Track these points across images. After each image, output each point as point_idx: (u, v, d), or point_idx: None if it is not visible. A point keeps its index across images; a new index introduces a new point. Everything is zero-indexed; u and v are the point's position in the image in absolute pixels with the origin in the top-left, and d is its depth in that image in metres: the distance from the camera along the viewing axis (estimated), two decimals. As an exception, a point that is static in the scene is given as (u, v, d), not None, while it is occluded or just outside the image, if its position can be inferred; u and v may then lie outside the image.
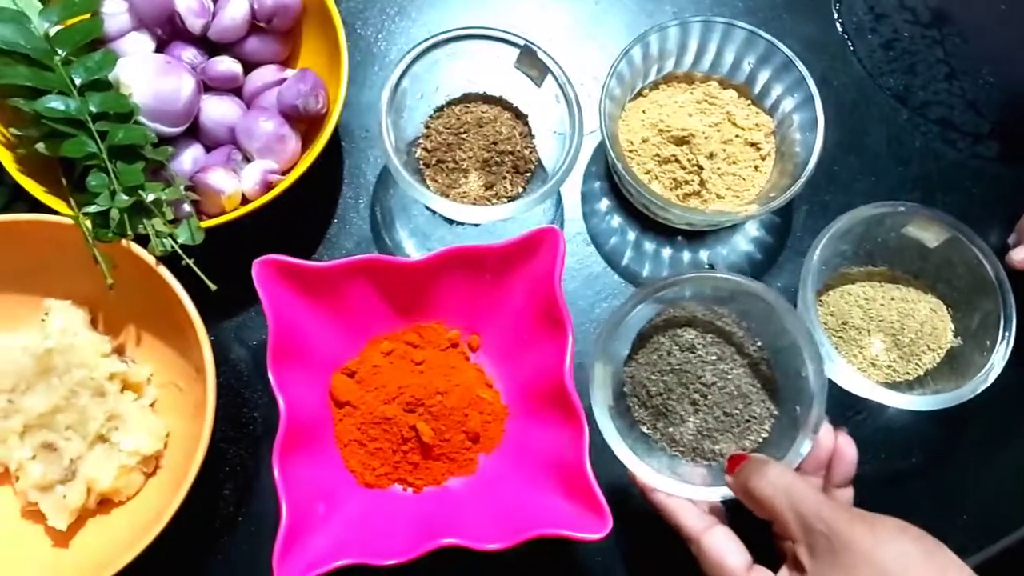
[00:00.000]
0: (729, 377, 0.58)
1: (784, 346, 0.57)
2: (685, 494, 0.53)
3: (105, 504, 0.57)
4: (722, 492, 0.53)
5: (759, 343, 0.59)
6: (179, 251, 0.55)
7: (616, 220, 0.67)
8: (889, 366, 0.62)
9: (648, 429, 0.59)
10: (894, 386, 0.61)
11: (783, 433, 0.56)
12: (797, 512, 0.45)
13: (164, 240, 0.55)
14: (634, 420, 0.59)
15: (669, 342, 0.60)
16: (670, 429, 0.58)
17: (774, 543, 0.52)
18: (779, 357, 0.58)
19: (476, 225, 0.67)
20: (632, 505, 0.59)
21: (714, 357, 0.59)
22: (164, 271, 0.54)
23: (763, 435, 0.58)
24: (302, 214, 0.65)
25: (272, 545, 0.58)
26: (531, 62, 0.62)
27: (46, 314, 0.57)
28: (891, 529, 0.44)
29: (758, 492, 0.47)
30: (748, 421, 0.58)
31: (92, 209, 0.54)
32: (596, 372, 0.56)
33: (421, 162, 0.66)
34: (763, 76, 0.65)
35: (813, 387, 0.54)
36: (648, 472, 0.54)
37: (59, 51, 0.55)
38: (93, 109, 0.54)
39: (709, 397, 0.58)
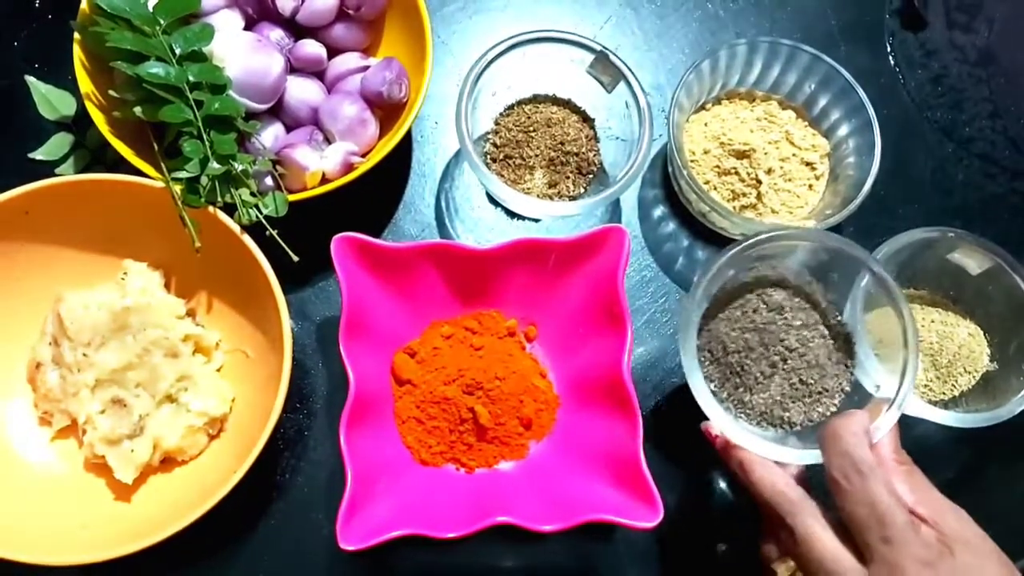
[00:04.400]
0: (811, 345, 0.56)
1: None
2: (774, 456, 0.51)
3: (167, 463, 0.59)
4: (813, 455, 0.51)
5: (839, 317, 0.58)
6: (264, 222, 0.57)
7: (670, 227, 0.70)
8: (926, 385, 0.64)
9: (716, 387, 0.58)
10: (930, 405, 0.63)
11: (852, 408, 0.54)
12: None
13: (250, 210, 0.57)
14: (702, 376, 0.56)
15: (757, 300, 0.58)
16: (740, 390, 0.57)
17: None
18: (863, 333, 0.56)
19: (536, 220, 0.69)
20: (673, 495, 0.62)
21: (799, 322, 0.57)
22: (249, 240, 0.56)
23: (832, 408, 0.57)
24: (370, 197, 0.67)
25: (324, 514, 0.60)
26: (604, 68, 0.65)
27: (124, 274, 0.59)
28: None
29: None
30: (820, 393, 0.56)
31: (182, 175, 0.56)
32: (692, 319, 0.54)
33: (488, 156, 0.68)
34: (822, 100, 0.68)
35: (906, 363, 0.53)
36: (737, 431, 0.53)
37: (160, 20, 0.57)
38: (191, 78, 0.56)
39: (789, 362, 0.56)
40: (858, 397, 0.56)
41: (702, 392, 0.53)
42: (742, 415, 0.57)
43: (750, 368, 0.57)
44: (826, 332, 0.57)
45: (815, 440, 0.50)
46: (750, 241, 0.55)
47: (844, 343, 0.57)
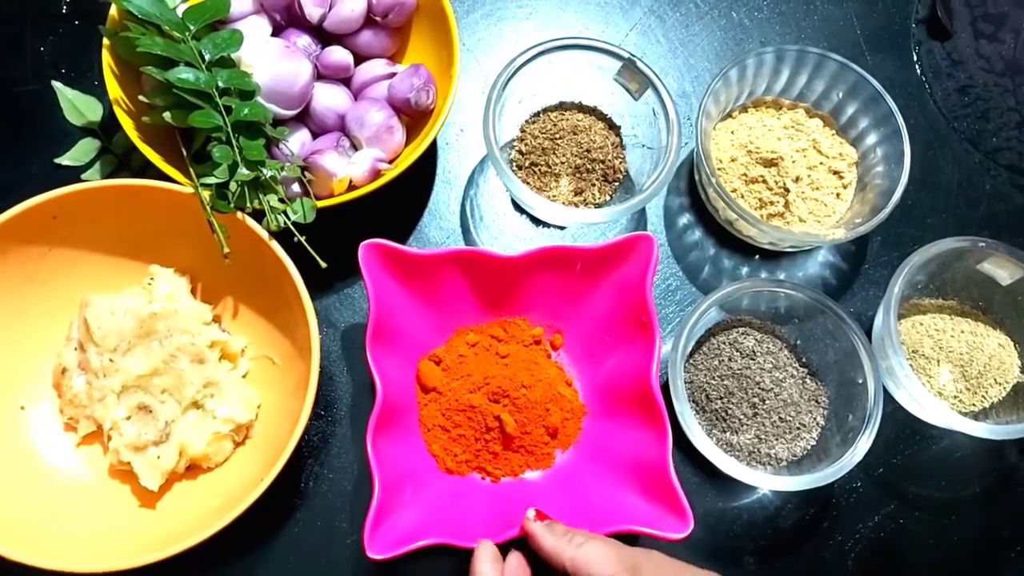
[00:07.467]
0: (784, 385, 0.62)
1: (838, 358, 0.62)
2: (769, 485, 0.57)
3: (193, 469, 0.58)
4: (800, 481, 0.57)
5: (804, 359, 0.63)
6: (292, 228, 0.56)
7: (696, 235, 0.69)
8: (956, 396, 0.64)
9: (705, 434, 0.60)
10: (960, 416, 0.63)
11: (830, 440, 0.61)
12: None
13: (278, 216, 0.56)
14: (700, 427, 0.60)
15: (730, 348, 0.63)
16: (727, 434, 0.61)
17: None
18: (831, 369, 0.62)
19: (561, 228, 0.69)
20: (701, 504, 0.61)
21: (770, 365, 0.62)
22: (277, 247, 0.56)
23: (811, 443, 0.62)
24: (394, 204, 0.67)
25: (348, 523, 0.60)
26: (631, 75, 0.65)
27: (151, 279, 0.59)
28: None
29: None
30: (798, 429, 0.62)
31: (210, 180, 0.56)
32: (679, 371, 0.58)
33: (514, 164, 0.68)
34: (850, 108, 0.67)
35: (871, 391, 0.59)
36: (733, 464, 0.57)
37: (190, 26, 0.57)
38: (220, 84, 0.56)
39: (767, 402, 0.61)
40: (834, 428, 0.61)
41: (703, 441, 0.58)
42: (732, 456, 0.60)
43: (733, 411, 0.61)
44: (794, 373, 0.63)
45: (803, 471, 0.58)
46: (714, 295, 0.60)
47: (812, 382, 0.63)
